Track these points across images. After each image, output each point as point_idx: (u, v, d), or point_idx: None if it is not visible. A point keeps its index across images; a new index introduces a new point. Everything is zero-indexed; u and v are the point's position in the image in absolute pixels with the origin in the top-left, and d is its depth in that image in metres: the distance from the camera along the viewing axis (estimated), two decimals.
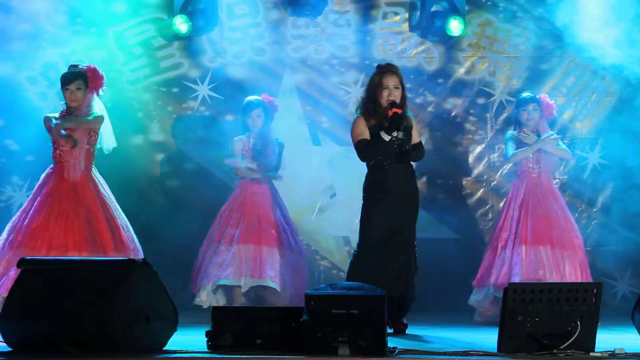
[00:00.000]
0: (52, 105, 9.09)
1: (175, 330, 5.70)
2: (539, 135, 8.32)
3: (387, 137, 6.99)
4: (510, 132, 8.50)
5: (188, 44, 9.49)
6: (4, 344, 5.57)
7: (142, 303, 5.48)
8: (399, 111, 6.97)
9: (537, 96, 8.45)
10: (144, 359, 5.29)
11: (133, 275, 5.48)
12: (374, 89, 7.10)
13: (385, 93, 7.04)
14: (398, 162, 7.09)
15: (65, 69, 7.93)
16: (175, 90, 9.49)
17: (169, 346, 5.62)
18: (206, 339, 5.54)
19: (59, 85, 7.82)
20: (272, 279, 8.14)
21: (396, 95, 7.04)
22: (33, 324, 5.42)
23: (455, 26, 9.17)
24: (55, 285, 5.51)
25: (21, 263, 5.73)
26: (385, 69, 7.13)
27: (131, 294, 5.44)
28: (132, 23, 9.43)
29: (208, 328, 5.56)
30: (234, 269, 8.14)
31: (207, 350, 5.51)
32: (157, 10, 9.44)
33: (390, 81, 7.06)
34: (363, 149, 7.08)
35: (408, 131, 7.12)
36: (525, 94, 8.44)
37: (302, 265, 8.47)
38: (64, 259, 6.57)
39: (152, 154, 9.49)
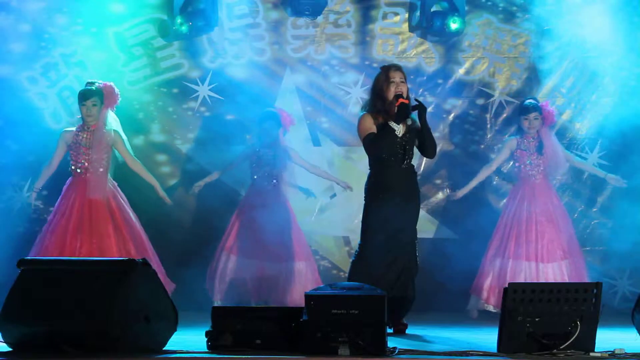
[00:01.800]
0: (52, 105, 9.12)
1: (175, 330, 5.71)
2: (541, 142, 8.50)
3: (395, 127, 7.04)
4: (510, 137, 8.70)
5: (188, 45, 9.48)
6: (4, 344, 5.58)
7: (142, 303, 5.49)
8: (406, 101, 7.02)
9: (540, 104, 8.59)
10: (144, 359, 5.29)
11: (133, 275, 5.48)
12: (380, 85, 7.13)
13: (392, 87, 7.08)
14: (401, 161, 7.12)
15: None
16: (175, 90, 9.49)
17: (169, 346, 5.62)
18: (206, 339, 5.55)
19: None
20: (268, 302, 8.46)
21: (403, 90, 7.09)
22: (33, 324, 5.42)
23: (455, 22, 9.17)
24: (55, 285, 5.51)
25: (21, 263, 5.73)
26: (390, 66, 7.23)
27: (131, 294, 5.44)
28: (132, 23, 9.42)
29: (208, 328, 5.56)
30: (236, 294, 8.55)
31: (207, 350, 5.51)
32: (157, 10, 9.44)
33: (397, 76, 7.11)
34: (371, 141, 7.09)
35: (415, 132, 7.16)
36: (528, 102, 8.59)
37: (308, 274, 8.57)
38: (64, 259, 6.58)
39: (152, 154, 9.49)
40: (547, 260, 8.38)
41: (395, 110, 7.01)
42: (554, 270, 8.37)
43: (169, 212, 9.33)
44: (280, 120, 8.77)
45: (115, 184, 8.12)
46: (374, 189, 7.16)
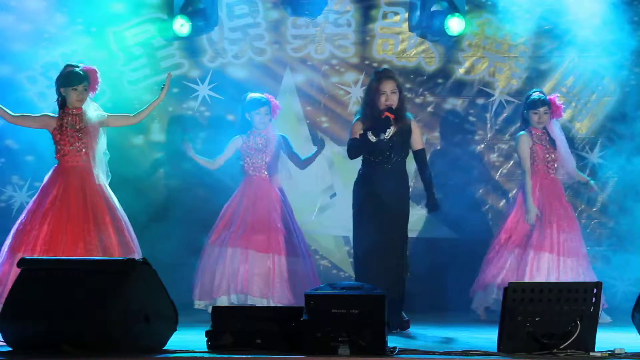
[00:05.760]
0: (53, 105, 9.09)
1: (175, 330, 5.71)
2: (549, 135, 8.28)
3: (373, 138, 7.18)
4: (520, 133, 8.38)
5: (188, 44, 9.49)
6: (4, 344, 5.58)
7: (142, 303, 5.49)
8: (391, 116, 7.15)
9: (548, 97, 8.34)
10: (144, 359, 5.29)
11: (133, 275, 5.49)
12: (372, 94, 7.30)
13: (382, 98, 7.24)
14: (386, 162, 7.26)
15: None
16: (175, 90, 9.49)
17: (169, 346, 5.63)
18: (206, 339, 5.55)
19: (56, 84, 7.77)
20: (260, 294, 8.09)
21: (394, 100, 7.24)
22: (33, 324, 5.42)
23: (455, 25, 9.16)
24: (55, 285, 5.51)
25: (21, 263, 5.73)
26: (382, 75, 7.34)
27: (131, 294, 5.45)
28: (132, 23, 9.43)
29: (208, 328, 5.56)
30: (225, 286, 8.10)
31: (207, 350, 5.51)
32: (157, 10, 9.44)
33: (387, 87, 7.25)
34: (348, 147, 7.33)
35: (403, 133, 7.30)
36: (536, 95, 8.32)
37: (303, 269, 8.36)
38: (64, 259, 6.55)
39: (152, 154, 9.49)
40: (567, 255, 8.22)
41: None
42: (572, 265, 8.19)
43: (168, 211, 9.33)
44: (271, 107, 8.39)
45: (105, 179, 7.74)
46: (358, 188, 7.37)
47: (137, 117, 7.94)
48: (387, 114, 7.15)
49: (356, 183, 7.41)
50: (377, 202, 7.21)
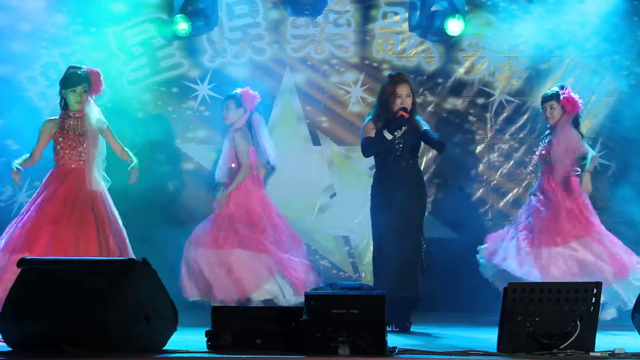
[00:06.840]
0: (53, 105, 9.10)
1: (175, 330, 5.71)
2: (558, 131, 8.10)
3: (389, 136, 7.29)
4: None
5: (188, 44, 9.49)
6: (4, 344, 5.58)
7: (142, 303, 5.49)
8: (406, 115, 7.28)
9: (561, 91, 8.10)
10: (144, 359, 5.29)
11: (133, 275, 5.48)
12: (387, 97, 7.40)
13: (398, 101, 7.35)
14: (399, 159, 7.34)
15: (65, 69, 7.89)
16: (175, 90, 9.50)
17: (169, 346, 5.62)
18: (206, 339, 5.55)
19: (59, 85, 7.75)
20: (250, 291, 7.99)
21: (408, 103, 7.38)
22: (33, 324, 5.42)
23: (455, 25, 9.16)
24: (55, 285, 5.51)
25: (21, 263, 5.72)
26: (398, 78, 7.44)
27: (131, 294, 5.44)
28: (132, 23, 9.43)
29: (208, 328, 5.57)
30: (210, 289, 8.01)
31: (207, 350, 5.51)
32: (157, 10, 9.45)
33: (404, 90, 7.37)
34: (364, 144, 7.41)
35: (413, 131, 7.37)
36: (552, 89, 8.20)
37: (296, 261, 8.25)
38: (64, 259, 6.54)
39: (152, 153, 9.48)
40: (540, 244, 8.14)
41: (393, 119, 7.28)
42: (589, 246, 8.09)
43: (168, 211, 9.33)
44: (240, 101, 8.25)
45: (103, 183, 7.65)
46: (375, 186, 7.45)
47: (122, 154, 7.74)
48: (401, 112, 7.26)
49: (372, 186, 7.48)
50: (392, 204, 7.27)
